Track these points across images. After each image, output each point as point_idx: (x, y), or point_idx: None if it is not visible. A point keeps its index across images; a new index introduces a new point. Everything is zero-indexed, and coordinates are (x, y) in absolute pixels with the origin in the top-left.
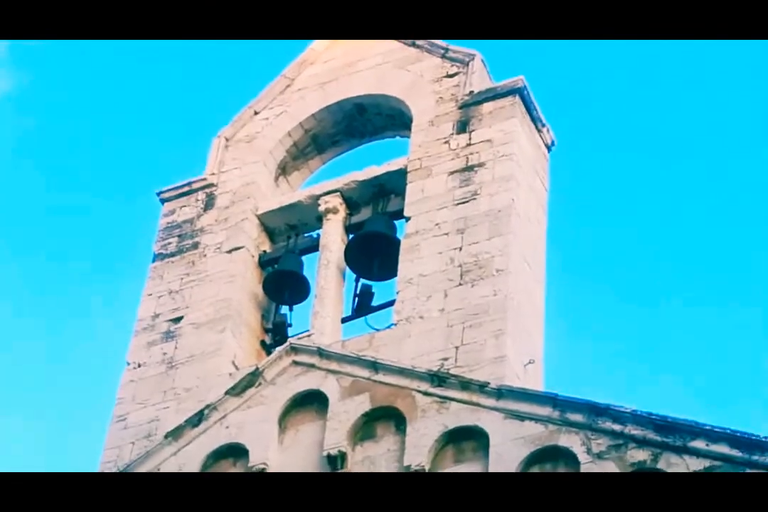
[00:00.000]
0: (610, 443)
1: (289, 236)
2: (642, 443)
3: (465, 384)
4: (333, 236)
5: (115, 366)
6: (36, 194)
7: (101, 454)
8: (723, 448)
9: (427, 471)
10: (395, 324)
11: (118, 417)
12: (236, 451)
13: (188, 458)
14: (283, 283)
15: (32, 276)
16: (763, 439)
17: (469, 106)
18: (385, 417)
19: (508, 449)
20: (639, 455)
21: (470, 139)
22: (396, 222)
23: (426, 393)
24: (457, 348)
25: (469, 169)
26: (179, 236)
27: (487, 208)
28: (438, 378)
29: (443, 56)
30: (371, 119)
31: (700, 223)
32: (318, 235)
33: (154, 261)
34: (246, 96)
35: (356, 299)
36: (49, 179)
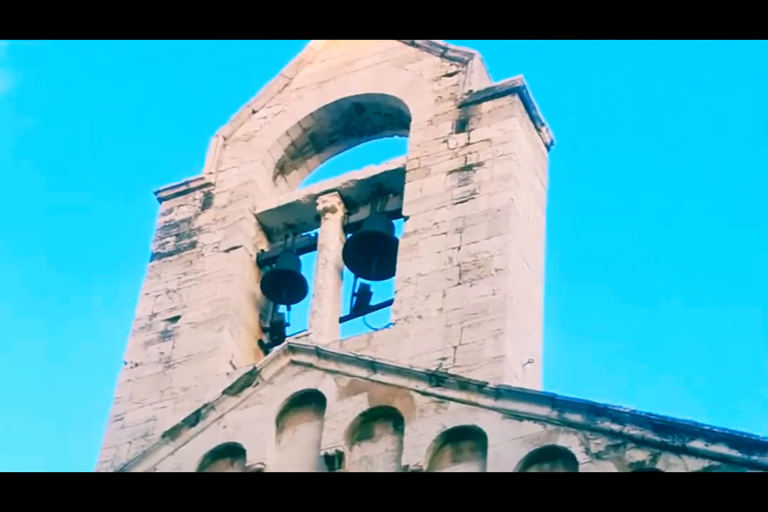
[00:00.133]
0: (609, 443)
1: (287, 235)
2: (641, 443)
3: (463, 384)
4: (331, 235)
5: (113, 365)
6: (35, 194)
7: (98, 454)
8: (722, 448)
9: (424, 471)
10: (393, 324)
11: (115, 417)
12: (233, 451)
13: (185, 458)
14: (281, 283)
15: (31, 275)
16: (762, 439)
17: (468, 105)
18: (383, 417)
19: (507, 449)
20: (638, 455)
21: (469, 138)
22: (394, 221)
23: (424, 393)
24: (455, 347)
25: (468, 168)
26: (177, 235)
27: (486, 208)
28: (436, 378)
29: (442, 55)
30: (370, 118)
31: (700, 223)
32: (316, 234)
33: (151, 260)
34: (244, 95)
35: (354, 298)
36: (47, 179)
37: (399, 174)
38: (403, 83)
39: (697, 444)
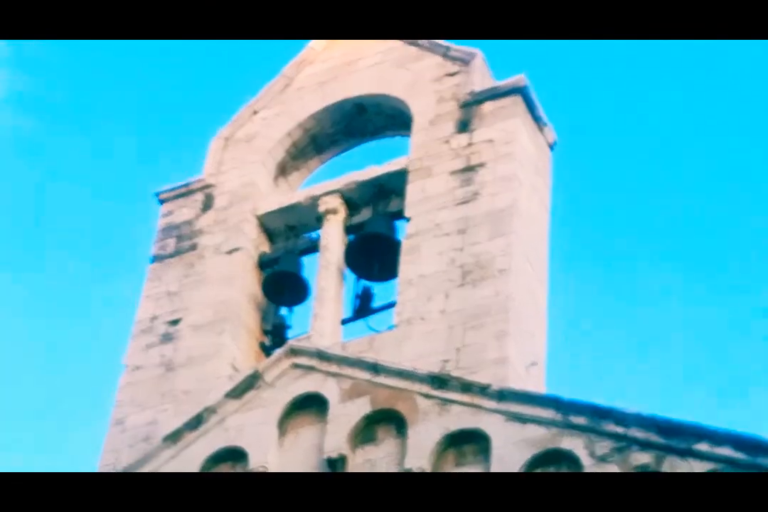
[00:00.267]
0: (614, 446)
1: (288, 237)
2: (645, 446)
3: (466, 387)
4: (333, 237)
5: (114, 368)
6: (34, 195)
7: (99, 457)
8: (727, 451)
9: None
10: (396, 326)
11: (116, 420)
12: (235, 454)
13: (187, 461)
14: (283, 285)
15: (30, 277)
16: None
17: (470, 105)
18: (385, 420)
19: (510, 452)
20: (642, 458)
21: (471, 138)
22: (396, 222)
23: (427, 396)
24: (458, 349)
25: (470, 168)
26: (178, 237)
27: (489, 208)
28: (439, 381)
29: (444, 55)
30: (371, 119)
31: (703, 223)
32: (318, 235)
33: (152, 262)
34: (245, 96)
35: (356, 300)
36: (47, 180)
37: (401, 175)
38: (404, 83)
39: (703, 446)
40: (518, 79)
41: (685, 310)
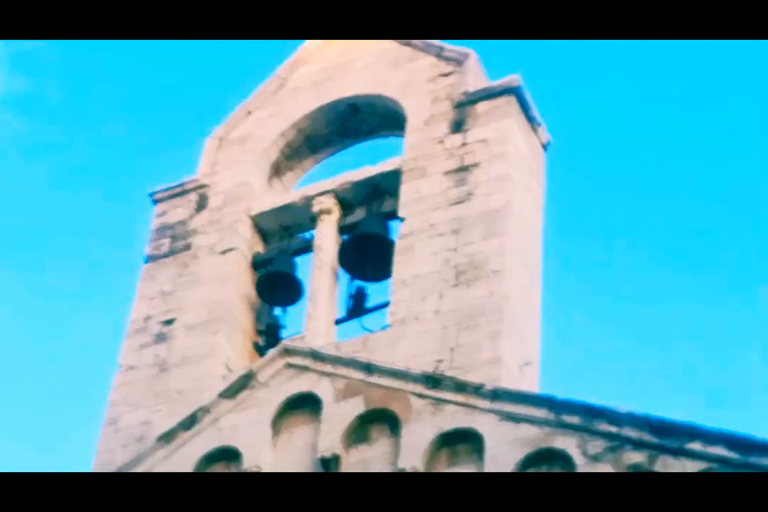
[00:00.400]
0: (606, 445)
1: (282, 237)
2: (638, 445)
3: (460, 386)
4: (327, 237)
5: (108, 368)
6: (32, 195)
7: (93, 457)
8: (720, 450)
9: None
10: (390, 326)
11: (110, 420)
12: (229, 454)
13: (181, 461)
14: (277, 285)
15: (25, 277)
16: (761, 441)
17: (464, 105)
18: (379, 420)
19: (503, 451)
20: (635, 457)
21: (465, 138)
22: (390, 222)
23: (421, 396)
24: (452, 349)
25: (464, 169)
26: (172, 237)
27: (483, 208)
28: (433, 380)
29: (438, 55)
30: (365, 119)
31: (699, 222)
32: (312, 235)
33: (146, 262)
34: (239, 96)
35: (350, 300)
36: (43, 180)
37: (395, 175)
38: (398, 83)
39: (695, 445)
40: (512, 79)
41: (678, 310)
